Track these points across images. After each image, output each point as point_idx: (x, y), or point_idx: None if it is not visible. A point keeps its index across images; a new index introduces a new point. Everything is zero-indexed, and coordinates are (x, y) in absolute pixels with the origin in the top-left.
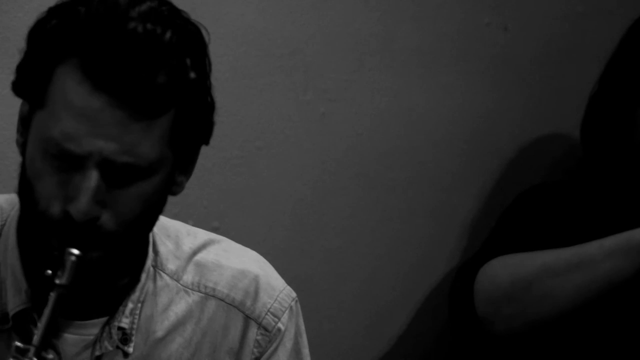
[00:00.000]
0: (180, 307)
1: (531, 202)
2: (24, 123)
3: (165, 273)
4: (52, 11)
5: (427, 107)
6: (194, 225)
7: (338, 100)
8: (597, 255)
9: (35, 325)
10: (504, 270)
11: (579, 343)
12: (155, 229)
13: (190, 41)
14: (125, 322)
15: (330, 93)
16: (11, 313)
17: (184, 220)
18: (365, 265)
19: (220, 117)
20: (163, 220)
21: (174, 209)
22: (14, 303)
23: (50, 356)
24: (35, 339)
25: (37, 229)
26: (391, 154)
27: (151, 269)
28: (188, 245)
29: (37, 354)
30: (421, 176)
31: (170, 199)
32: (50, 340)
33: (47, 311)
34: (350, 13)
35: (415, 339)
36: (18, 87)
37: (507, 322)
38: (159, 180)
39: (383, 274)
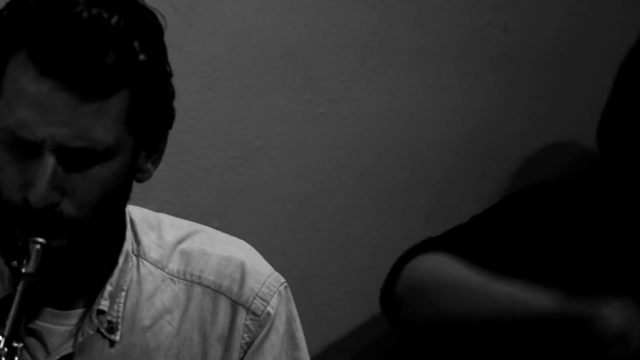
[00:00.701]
0: (166, 295)
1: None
2: None
3: (149, 262)
4: (6, 4)
5: (427, 107)
6: None
7: (338, 100)
8: (500, 292)
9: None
10: (427, 265)
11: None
12: (138, 220)
13: (140, 25)
14: (104, 305)
15: (330, 93)
16: None
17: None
18: (364, 265)
19: (220, 117)
20: (146, 213)
21: (174, 209)
22: None
23: (21, 345)
24: (7, 329)
25: (1, 219)
26: (391, 154)
27: (133, 257)
28: (171, 235)
29: (7, 344)
30: (421, 176)
31: (171, 199)
32: (35, 331)
33: (16, 301)
34: (350, 13)
35: (413, 339)
36: None
37: (406, 316)
38: (119, 164)
39: (382, 274)
